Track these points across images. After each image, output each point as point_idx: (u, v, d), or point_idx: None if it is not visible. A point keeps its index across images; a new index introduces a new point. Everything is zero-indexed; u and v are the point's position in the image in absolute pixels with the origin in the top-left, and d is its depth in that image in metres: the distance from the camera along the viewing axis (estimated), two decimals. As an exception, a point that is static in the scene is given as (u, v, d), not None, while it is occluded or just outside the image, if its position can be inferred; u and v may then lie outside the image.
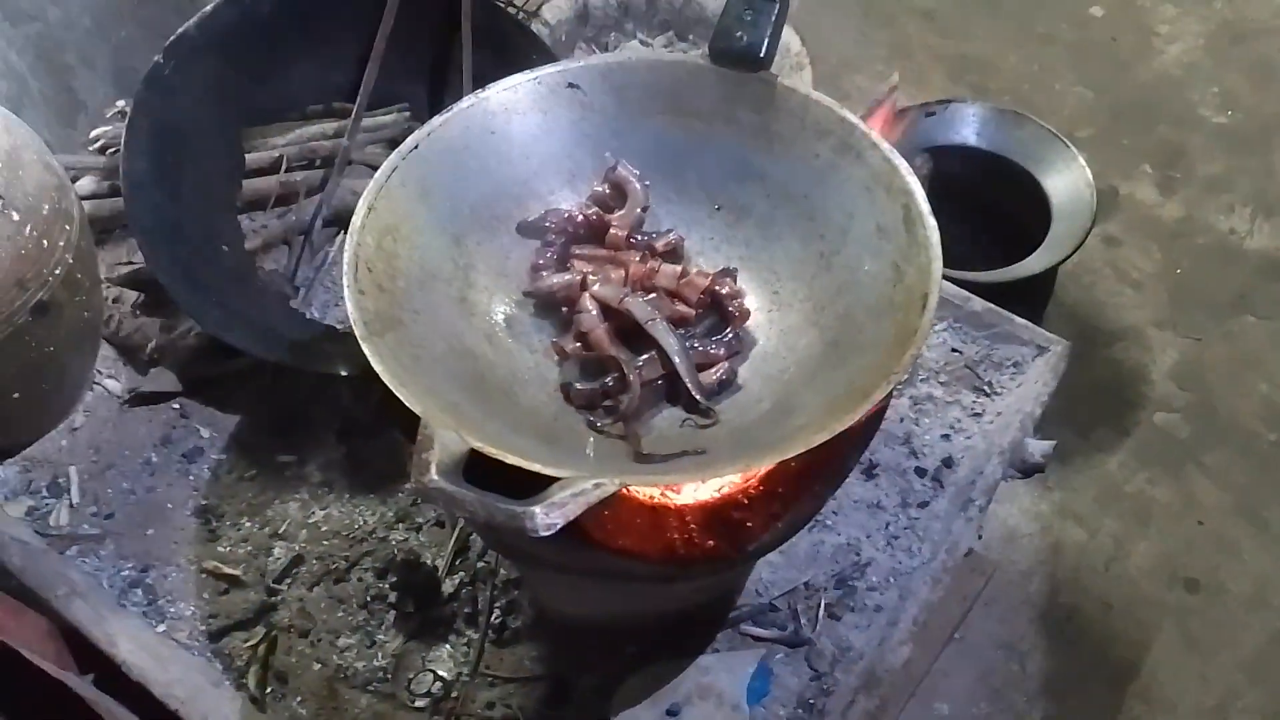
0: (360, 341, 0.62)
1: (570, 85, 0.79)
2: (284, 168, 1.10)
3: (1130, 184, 1.55)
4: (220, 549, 0.95)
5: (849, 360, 0.68)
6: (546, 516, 0.53)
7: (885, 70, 1.75)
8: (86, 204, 1.03)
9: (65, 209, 0.89)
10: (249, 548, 0.96)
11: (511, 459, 0.56)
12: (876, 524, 0.97)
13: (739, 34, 0.76)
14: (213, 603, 0.93)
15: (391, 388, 0.60)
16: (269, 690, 0.88)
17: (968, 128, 1.37)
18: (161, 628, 0.91)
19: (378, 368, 0.61)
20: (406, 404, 0.59)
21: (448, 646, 0.91)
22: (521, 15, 1.41)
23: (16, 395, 0.90)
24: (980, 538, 1.25)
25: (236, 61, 1.06)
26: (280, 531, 0.96)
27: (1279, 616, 1.22)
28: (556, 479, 0.55)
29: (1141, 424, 1.36)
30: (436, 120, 0.76)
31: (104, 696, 0.79)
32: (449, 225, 0.75)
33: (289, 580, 0.94)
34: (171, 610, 0.92)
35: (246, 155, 1.09)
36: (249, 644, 0.90)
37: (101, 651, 0.87)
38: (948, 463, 1.00)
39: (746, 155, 0.78)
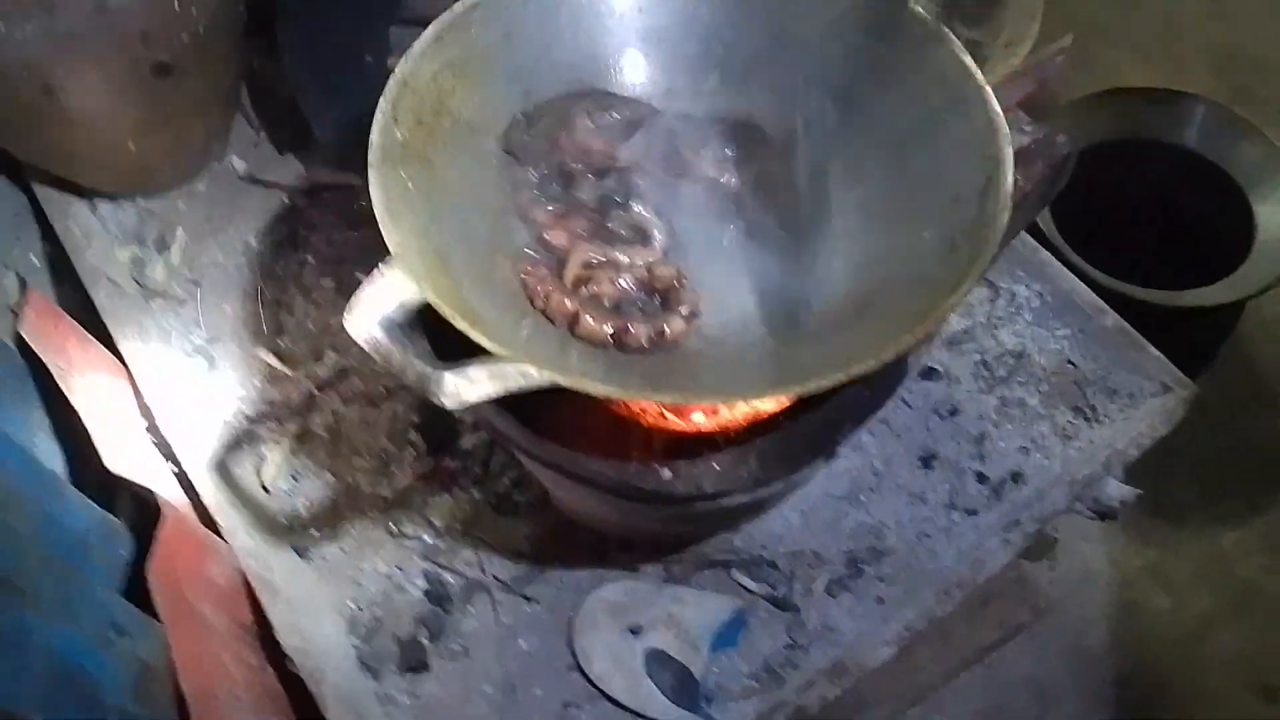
0: (369, 168, 0.61)
1: None
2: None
3: (1380, 243, 1.33)
4: (280, 342, 1.00)
5: (860, 329, 0.61)
6: (455, 387, 0.51)
7: (1143, 51, 1.57)
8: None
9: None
10: (305, 348, 0.99)
11: (458, 321, 0.54)
12: (912, 515, 0.90)
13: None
14: (260, 389, 0.97)
15: (379, 217, 0.59)
16: (280, 484, 0.93)
17: (1188, 127, 1.20)
18: (206, 398, 0.96)
19: (374, 195, 0.60)
20: (386, 238, 0.58)
21: (449, 497, 0.92)
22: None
23: (133, 147, 0.95)
24: (1052, 569, 1.15)
25: None
26: (337, 343, 0.99)
27: (1369, 761, 1.07)
28: (488, 353, 0.53)
29: (1285, 508, 1.20)
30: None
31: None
32: (522, 78, 0.71)
33: (332, 390, 0.98)
34: (220, 385, 0.97)
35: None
36: (278, 436, 0.94)
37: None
38: (1016, 477, 0.91)
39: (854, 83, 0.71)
